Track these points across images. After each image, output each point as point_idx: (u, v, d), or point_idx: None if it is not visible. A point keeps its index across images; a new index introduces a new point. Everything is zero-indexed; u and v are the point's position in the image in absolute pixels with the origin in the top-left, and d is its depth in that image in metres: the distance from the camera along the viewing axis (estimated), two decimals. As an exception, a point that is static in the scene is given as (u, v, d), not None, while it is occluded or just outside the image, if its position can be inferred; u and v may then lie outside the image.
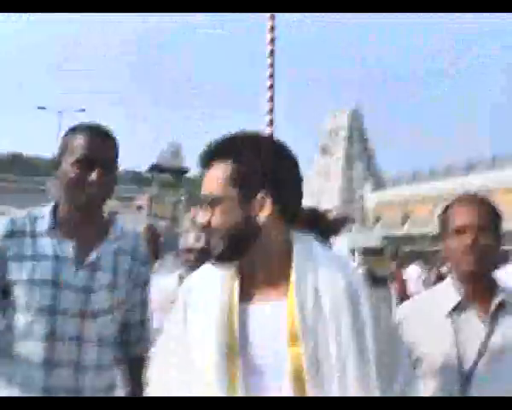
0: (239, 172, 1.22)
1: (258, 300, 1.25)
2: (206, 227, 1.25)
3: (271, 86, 11.58)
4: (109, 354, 1.68)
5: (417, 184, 40.57)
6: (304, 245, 1.27)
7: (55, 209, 1.65)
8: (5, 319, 1.59)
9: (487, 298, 1.66)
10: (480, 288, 1.67)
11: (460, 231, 1.63)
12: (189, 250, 3.05)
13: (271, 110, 11.16)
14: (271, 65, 10.92)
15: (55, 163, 1.68)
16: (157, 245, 4.68)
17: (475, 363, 1.61)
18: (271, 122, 10.97)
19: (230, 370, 1.18)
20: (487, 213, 1.67)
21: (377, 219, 43.11)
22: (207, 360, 1.20)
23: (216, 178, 1.24)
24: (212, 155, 1.27)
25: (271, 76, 11.41)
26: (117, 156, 1.65)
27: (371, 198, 46.24)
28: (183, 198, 48.60)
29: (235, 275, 1.27)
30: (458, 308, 1.67)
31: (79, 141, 1.58)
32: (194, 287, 1.34)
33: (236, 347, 1.20)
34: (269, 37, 10.71)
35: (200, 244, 2.36)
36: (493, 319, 1.64)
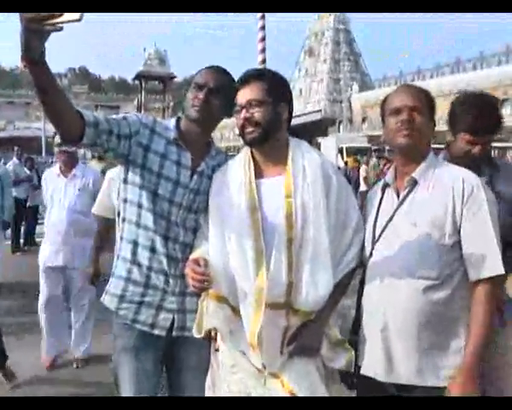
0: (271, 87, 1.82)
1: (266, 176, 1.84)
2: (251, 120, 1.81)
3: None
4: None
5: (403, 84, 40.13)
6: (295, 141, 1.88)
7: (177, 123, 2.05)
8: (130, 194, 2.00)
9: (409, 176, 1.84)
10: (407, 167, 1.85)
11: (397, 111, 1.82)
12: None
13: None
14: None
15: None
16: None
17: (382, 230, 1.84)
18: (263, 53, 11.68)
19: (254, 217, 1.78)
20: (421, 98, 1.83)
21: (363, 120, 43.34)
22: (239, 214, 1.79)
23: (257, 90, 1.81)
24: (250, 76, 1.85)
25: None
26: (228, 90, 1.92)
27: (358, 99, 45.98)
28: (171, 104, 47.96)
29: (251, 161, 1.86)
30: (388, 184, 1.92)
31: (199, 72, 2.03)
32: (225, 169, 1.96)
33: (257, 205, 1.78)
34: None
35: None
36: (406, 195, 1.82)
